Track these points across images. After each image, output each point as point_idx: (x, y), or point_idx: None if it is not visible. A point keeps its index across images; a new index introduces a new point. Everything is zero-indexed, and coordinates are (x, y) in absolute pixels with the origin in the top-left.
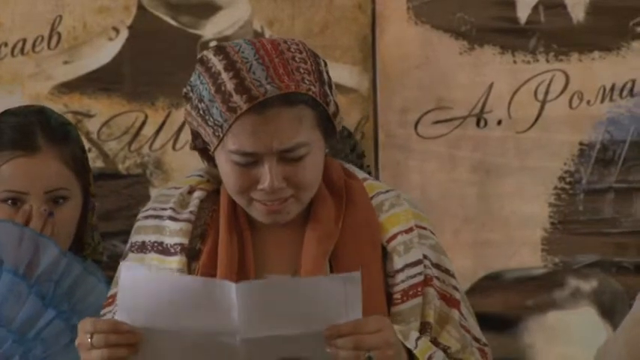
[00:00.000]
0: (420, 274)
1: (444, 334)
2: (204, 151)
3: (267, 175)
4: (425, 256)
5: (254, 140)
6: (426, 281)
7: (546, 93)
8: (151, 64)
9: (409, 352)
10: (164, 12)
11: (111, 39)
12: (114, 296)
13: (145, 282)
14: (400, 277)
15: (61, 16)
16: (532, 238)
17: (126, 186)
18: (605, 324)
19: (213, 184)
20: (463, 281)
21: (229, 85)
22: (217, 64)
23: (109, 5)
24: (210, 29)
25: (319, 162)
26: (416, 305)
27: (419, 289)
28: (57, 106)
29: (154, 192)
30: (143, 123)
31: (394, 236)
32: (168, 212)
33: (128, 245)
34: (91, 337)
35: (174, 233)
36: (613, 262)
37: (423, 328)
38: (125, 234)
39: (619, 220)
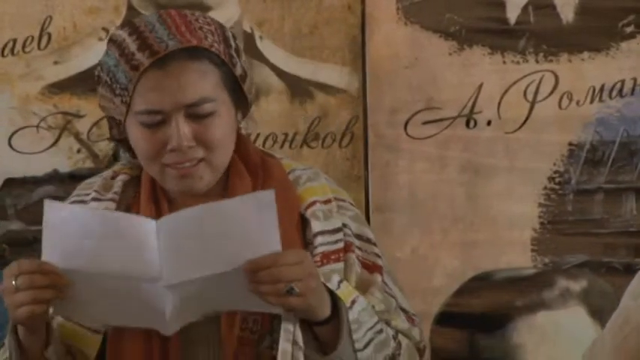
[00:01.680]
0: (340, 240)
1: (368, 295)
2: (123, 141)
3: (175, 132)
4: (345, 225)
5: (158, 96)
6: (347, 247)
7: (536, 93)
8: None
9: (332, 295)
10: (154, 12)
11: (101, 39)
12: None
13: (69, 219)
14: (319, 240)
15: (51, 17)
16: (521, 238)
17: None
18: (594, 324)
19: (136, 170)
20: (452, 281)
21: (132, 47)
22: (122, 33)
23: (99, 6)
24: None
25: (229, 123)
26: (338, 269)
27: (340, 254)
28: (47, 106)
29: None
30: None
31: (312, 203)
32: (92, 195)
33: None
34: (16, 280)
35: None
36: (602, 262)
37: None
38: None
39: (608, 220)
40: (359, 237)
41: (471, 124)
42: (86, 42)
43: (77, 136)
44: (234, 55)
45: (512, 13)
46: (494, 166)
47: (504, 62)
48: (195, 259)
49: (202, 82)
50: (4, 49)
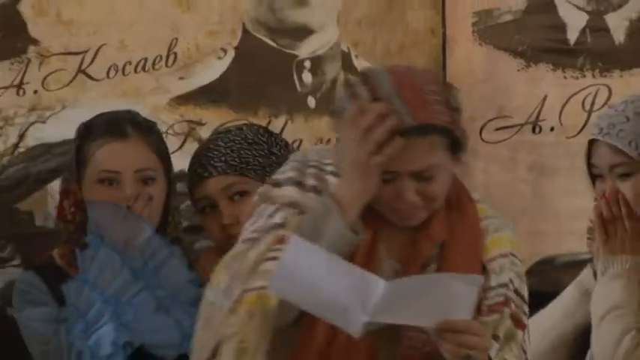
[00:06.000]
0: (502, 294)
1: (507, 350)
2: None
3: (402, 191)
4: (510, 280)
5: (393, 161)
6: (506, 302)
7: (592, 104)
8: (253, 80)
9: None
10: (265, 35)
11: (220, 58)
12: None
13: (305, 255)
14: (491, 294)
15: (177, 39)
16: (580, 228)
17: None
18: None
19: None
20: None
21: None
22: (363, 91)
23: (218, 29)
24: (305, 50)
25: (448, 176)
26: (494, 320)
27: (500, 307)
28: (174, 116)
29: None
30: None
31: (494, 258)
32: (331, 168)
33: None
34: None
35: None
36: None
37: (493, 340)
38: None
39: None
40: (517, 293)
41: (537, 130)
42: (207, 60)
43: (200, 141)
44: (456, 117)
45: (572, 35)
46: (557, 166)
47: (565, 77)
48: (403, 309)
49: (431, 154)
50: (136, 67)
